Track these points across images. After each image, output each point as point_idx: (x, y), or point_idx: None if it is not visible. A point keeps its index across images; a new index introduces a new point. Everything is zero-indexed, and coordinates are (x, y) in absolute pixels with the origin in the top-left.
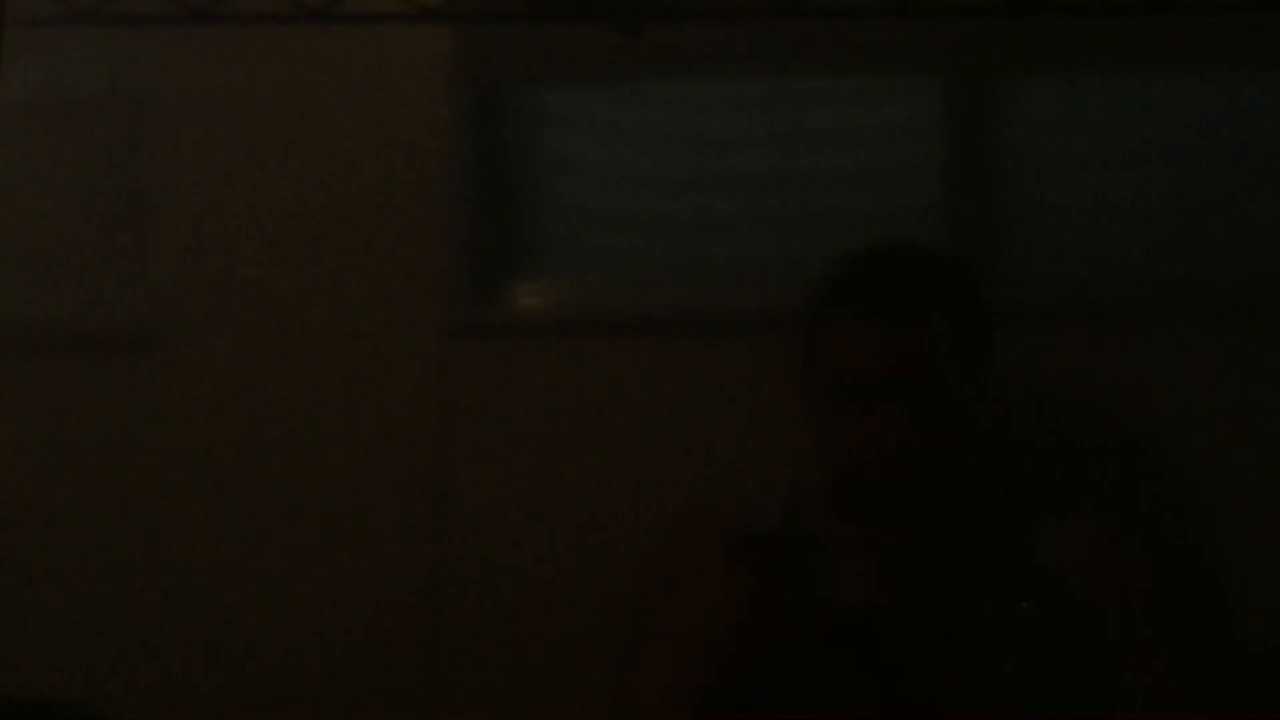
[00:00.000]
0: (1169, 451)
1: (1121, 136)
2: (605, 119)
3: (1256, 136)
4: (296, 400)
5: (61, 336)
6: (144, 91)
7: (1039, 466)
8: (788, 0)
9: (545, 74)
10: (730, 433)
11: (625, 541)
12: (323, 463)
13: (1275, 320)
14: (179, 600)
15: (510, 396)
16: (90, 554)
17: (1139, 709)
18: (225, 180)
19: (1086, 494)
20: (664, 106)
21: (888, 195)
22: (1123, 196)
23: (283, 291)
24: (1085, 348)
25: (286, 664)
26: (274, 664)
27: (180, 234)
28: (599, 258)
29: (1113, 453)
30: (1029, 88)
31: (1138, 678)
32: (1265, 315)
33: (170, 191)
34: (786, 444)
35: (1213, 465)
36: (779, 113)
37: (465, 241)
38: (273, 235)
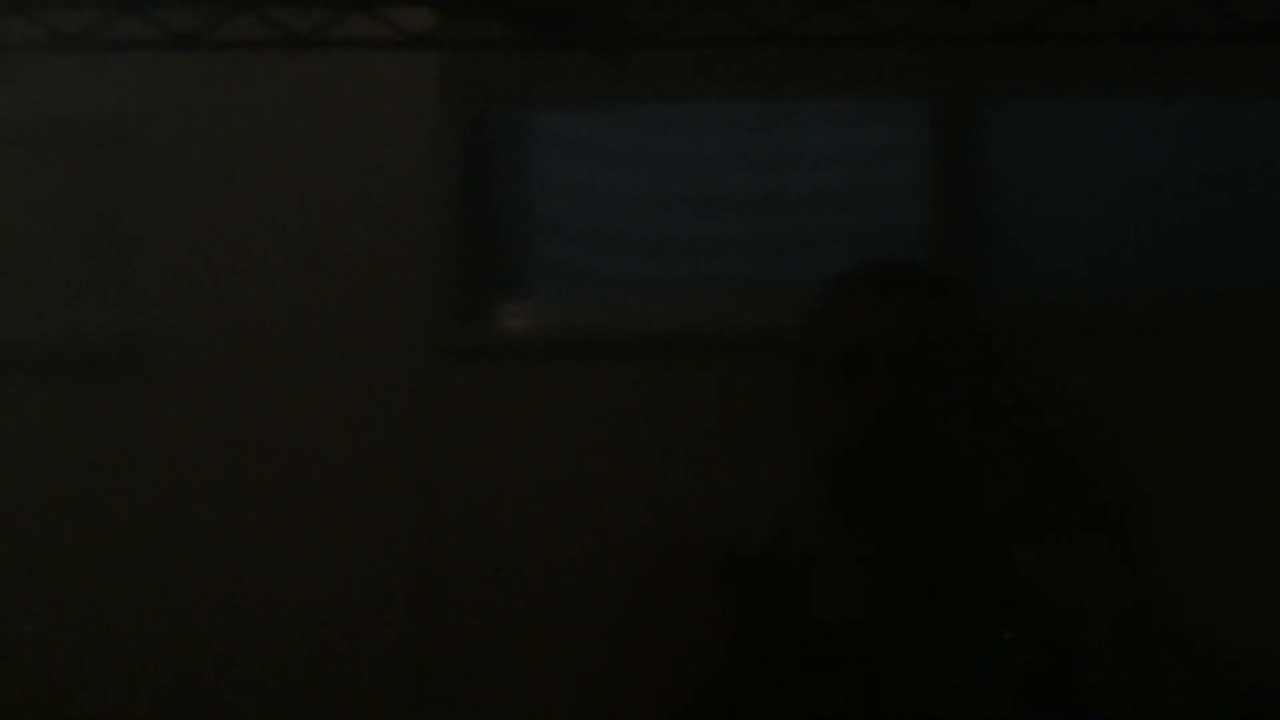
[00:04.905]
0: (1154, 471)
1: (1106, 159)
2: (591, 140)
3: (1241, 159)
4: (283, 420)
5: (48, 356)
6: (131, 113)
7: (1025, 484)
8: (776, 29)
9: (531, 96)
10: (718, 453)
11: (612, 562)
12: (309, 483)
13: (1264, 340)
14: (169, 615)
15: (496, 418)
16: (80, 571)
17: None
18: (212, 201)
19: (1072, 512)
20: (650, 128)
21: (874, 217)
22: (1108, 218)
23: (269, 311)
24: (1071, 367)
25: (275, 678)
26: (262, 678)
27: (168, 254)
28: (585, 279)
29: (1099, 472)
30: (1014, 110)
31: (1123, 696)
32: (1253, 336)
33: (157, 212)
34: (775, 464)
35: (1199, 484)
36: (765, 134)
37: (451, 263)
38: (259, 256)
